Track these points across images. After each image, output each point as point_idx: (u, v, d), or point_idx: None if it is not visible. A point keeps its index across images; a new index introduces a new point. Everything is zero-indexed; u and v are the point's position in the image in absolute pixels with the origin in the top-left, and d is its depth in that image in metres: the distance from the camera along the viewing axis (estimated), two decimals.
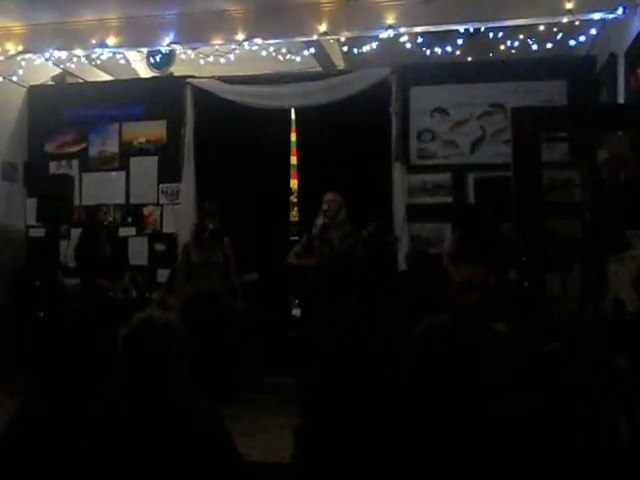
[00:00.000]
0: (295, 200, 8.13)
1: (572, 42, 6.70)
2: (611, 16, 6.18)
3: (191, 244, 6.81)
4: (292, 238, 7.67)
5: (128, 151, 8.13)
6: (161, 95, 7.95)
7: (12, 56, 7.37)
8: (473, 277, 6.00)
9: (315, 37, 6.85)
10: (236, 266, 6.70)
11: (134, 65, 8.51)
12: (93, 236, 6.98)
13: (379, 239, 6.42)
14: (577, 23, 6.41)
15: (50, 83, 8.49)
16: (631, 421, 2.96)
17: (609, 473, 2.28)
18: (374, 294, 5.56)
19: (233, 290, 6.61)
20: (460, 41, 6.84)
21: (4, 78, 7.71)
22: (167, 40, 7.06)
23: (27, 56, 7.43)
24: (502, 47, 6.97)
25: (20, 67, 7.61)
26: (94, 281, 6.76)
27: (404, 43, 6.76)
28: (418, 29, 6.71)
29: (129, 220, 8.02)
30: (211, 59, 7.23)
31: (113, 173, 8.15)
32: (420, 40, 6.86)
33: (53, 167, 8.24)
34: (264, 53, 7.12)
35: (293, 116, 7.86)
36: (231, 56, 7.12)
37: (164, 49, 7.43)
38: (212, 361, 5.73)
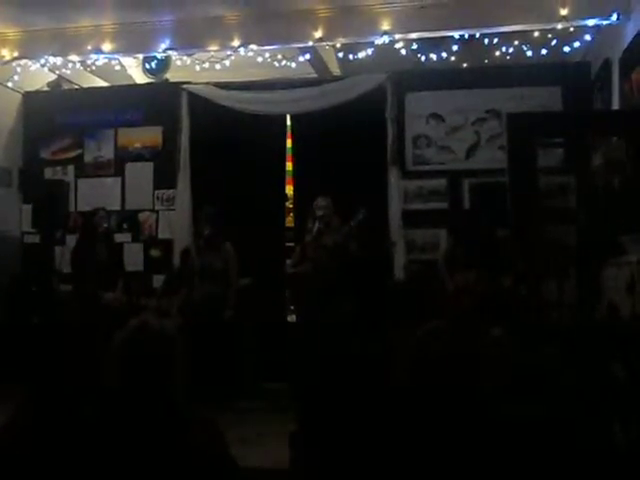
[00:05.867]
0: (291, 206, 8.13)
1: (567, 48, 6.72)
2: (605, 22, 6.21)
3: (192, 250, 6.83)
4: (288, 244, 7.67)
5: (124, 157, 8.13)
6: (157, 101, 7.96)
7: (7, 62, 7.38)
8: (468, 282, 6.00)
9: (310, 43, 6.88)
10: (237, 272, 6.69)
11: (130, 71, 8.52)
12: (90, 241, 6.95)
13: (368, 228, 6.42)
14: (572, 29, 6.44)
15: (45, 89, 8.48)
16: (626, 426, 2.96)
17: (604, 478, 2.29)
18: (370, 296, 5.57)
19: (225, 297, 6.58)
20: (455, 47, 6.87)
21: None
22: (163, 46, 7.08)
23: (22, 62, 7.44)
24: (497, 53, 6.99)
25: (15, 73, 7.62)
26: (90, 286, 6.72)
27: (399, 49, 6.79)
28: (413, 35, 6.74)
29: (125, 226, 8.01)
30: (207, 65, 7.24)
31: (109, 179, 8.15)
32: (415, 46, 6.88)
33: (48, 173, 8.24)
34: (260, 59, 7.14)
35: (289, 122, 7.87)
36: (227, 62, 7.14)
37: (160, 55, 7.45)
38: (208, 367, 5.74)
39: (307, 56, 7.32)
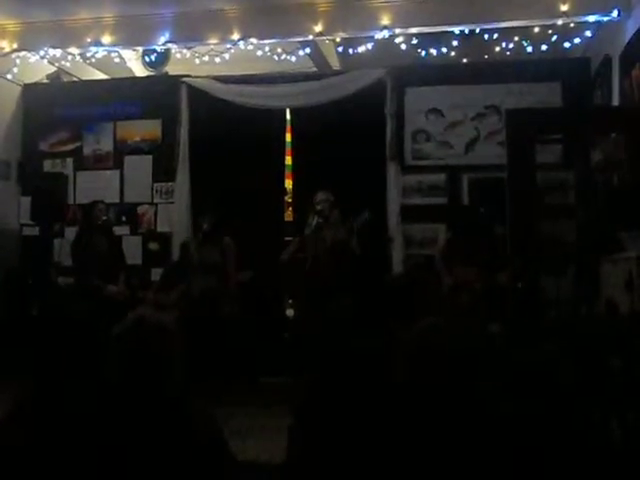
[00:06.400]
0: (290, 200, 8.12)
1: (567, 44, 6.71)
2: (606, 18, 6.21)
3: (191, 244, 6.82)
4: (286, 238, 7.67)
5: (123, 150, 8.12)
6: (156, 94, 7.93)
7: (7, 54, 7.37)
8: (466, 278, 6.00)
9: (310, 37, 6.87)
10: (235, 267, 6.69)
11: (129, 64, 8.50)
12: (89, 233, 6.94)
13: (370, 228, 6.43)
14: (572, 25, 6.43)
15: (45, 81, 8.46)
16: (623, 421, 2.97)
17: (601, 474, 2.29)
18: (368, 291, 5.57)
19: (226, 291, 6.58)
20: (455, 42, 6.86)
21: None
22: (162, 39, 7.06)
23: (22, 54, 7.43)
24: (497, 49, 6.99)
25: (15, 65, 7.60)
26: (90, 279, 6.71)
27: (399, 44, 6.78)
28: (413, 30, 6.73)
29: (123, 219, 8.01)
30: (206, 58, 7.22)
31: (107, 172, 8.14)
32: (415, 41, 6.88)
33: (47, 165, 8.22)
34: (259, 53, 7.13)
35: (288, 116, 7.87)
36: (226, 55, 7.12)
37: (159, 48, 7.43)
38: (205, 361, 5.73)
39: (307, 50, 7.30)
